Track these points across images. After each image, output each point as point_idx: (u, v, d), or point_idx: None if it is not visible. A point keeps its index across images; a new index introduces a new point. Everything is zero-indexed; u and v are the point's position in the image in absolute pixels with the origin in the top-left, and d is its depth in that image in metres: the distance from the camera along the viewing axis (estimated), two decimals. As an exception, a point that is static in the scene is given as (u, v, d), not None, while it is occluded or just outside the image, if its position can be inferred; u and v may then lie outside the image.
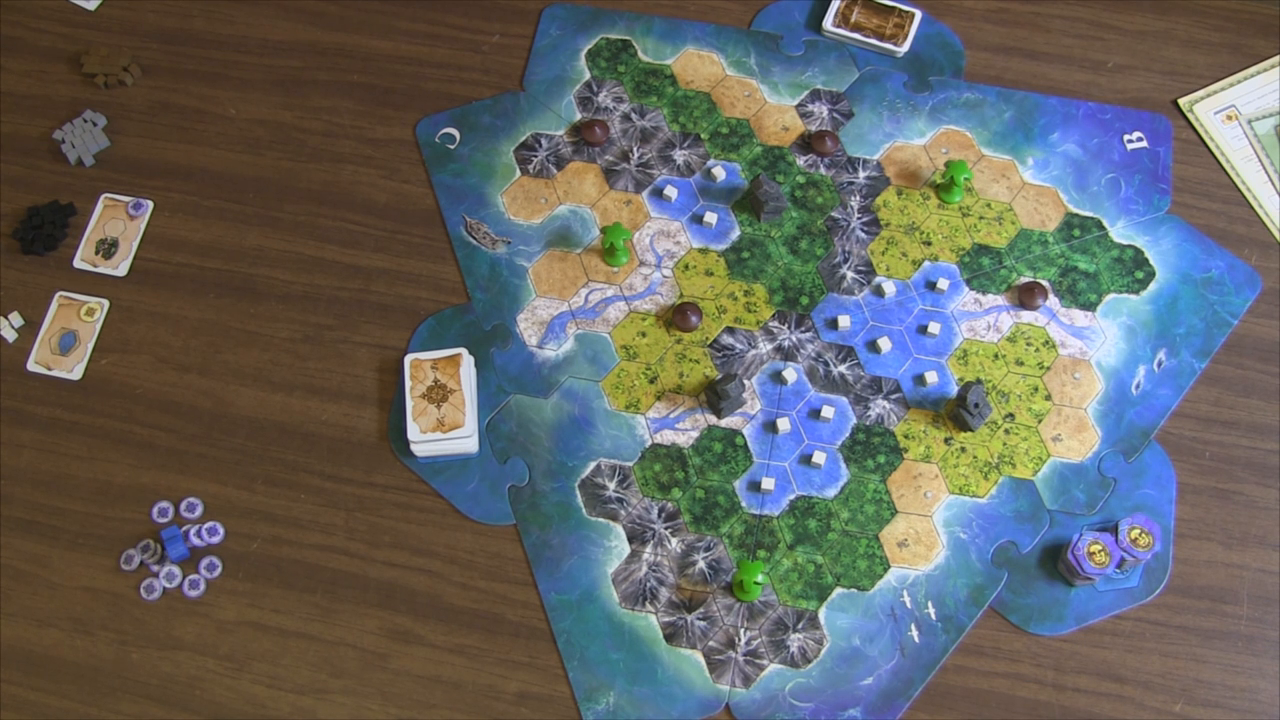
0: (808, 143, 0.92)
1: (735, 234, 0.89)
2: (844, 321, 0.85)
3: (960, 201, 0.89)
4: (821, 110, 0.93)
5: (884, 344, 0.84)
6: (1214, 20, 0.95)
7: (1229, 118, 0.92)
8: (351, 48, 0.97)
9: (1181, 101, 0.92)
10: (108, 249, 0.90)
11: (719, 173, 0.90)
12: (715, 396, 0.82)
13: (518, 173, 0.92)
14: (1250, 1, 0.96)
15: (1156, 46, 0.94)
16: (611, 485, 0.81)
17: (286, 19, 0.99)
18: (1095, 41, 0.95)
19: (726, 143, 0.92)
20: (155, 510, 0.82)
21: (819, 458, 0.81)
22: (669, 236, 0.89)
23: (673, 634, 0.77)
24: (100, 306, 0.88)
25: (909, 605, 0.77)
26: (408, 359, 0.83)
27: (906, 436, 0.82)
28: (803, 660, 0.76)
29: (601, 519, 0.80)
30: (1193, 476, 0.80)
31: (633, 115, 0.93)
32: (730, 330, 0.85)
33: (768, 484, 0.80)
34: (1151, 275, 0.86)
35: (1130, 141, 0.91)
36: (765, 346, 0.85)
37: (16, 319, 0.88)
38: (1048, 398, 0.83)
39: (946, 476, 0.81)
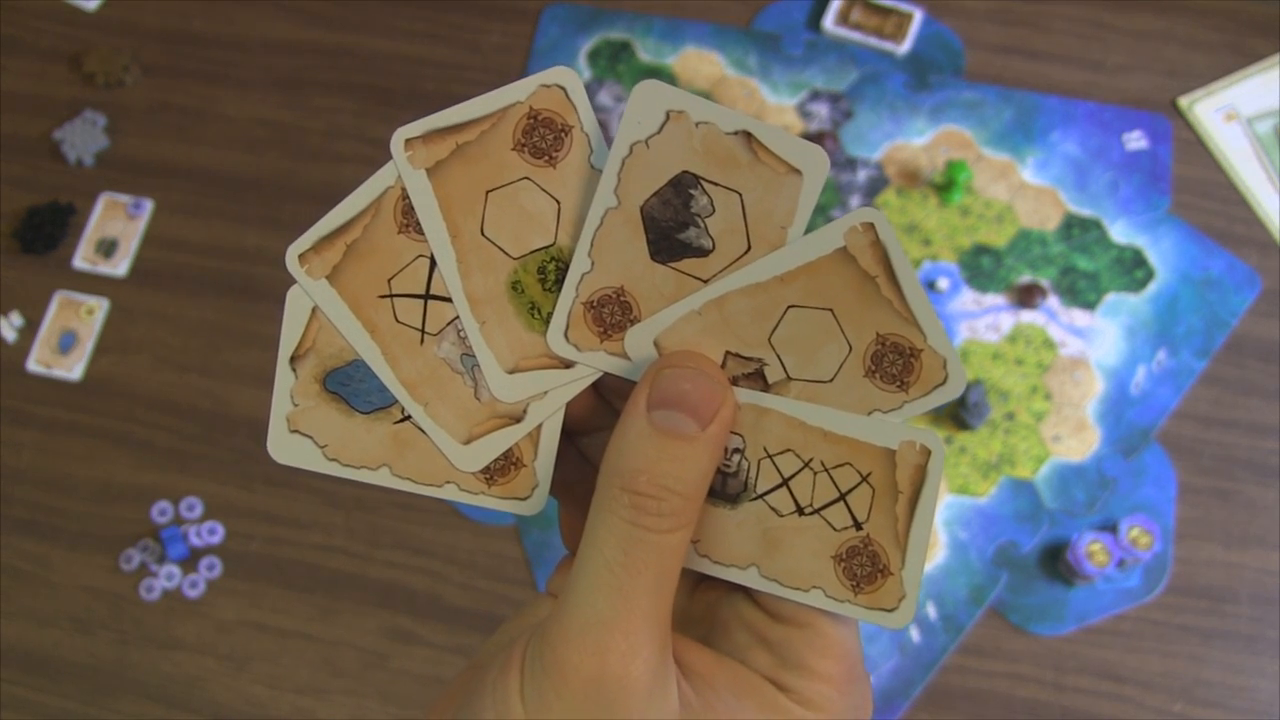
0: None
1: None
2: (844, 321, 0.85)
3: (960, 201, 0.89)
4: (821, 110, 0.93)
5: (884, 344, 0.84)
6: (1214, 20, 0.95)
7: (1229, 118, 0.92)
8: (351, 48, 0.97)
9: (1181, 101, 0.92)
10: (108, 249, 0.90)
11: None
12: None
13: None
14: (1250, 1, 0.96)
15: (1156, 46, 0.94)
16: (611, 485, 0.81)
17: (286, 19, 0.99)
18: (1095, 41, 0.95)
19: (726, 143, 0.92)
20: (155, 510, 0.82)
21: (819, 458, 0.81)
22: (669, 236, 0.89)
23: (673, 634, 0.77)
24: (100, 306, 0.88)
25: (909, 605, 0.77)
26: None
27: (906, 436, 0.82)
28: (803, 660, 0.76)
29: (601, 519, 0.80)
30: (1193, 476, 0.80)
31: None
32: (730, 330, 0.85)
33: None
34: (1151, 275, 0.86)
35: (1130, 141, 0.91)
36: (765, 346, 0.85)
37: (16, 319, 0.88)
38: (1047, 397, 0.83)
39: (946, 476, 0.81)
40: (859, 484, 0.27)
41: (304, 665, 0.77)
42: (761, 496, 0.28)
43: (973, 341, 0.85)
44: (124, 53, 0.97)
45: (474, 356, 0.28)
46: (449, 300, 0.28)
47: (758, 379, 0.28)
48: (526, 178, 0.28)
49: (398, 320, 0.29)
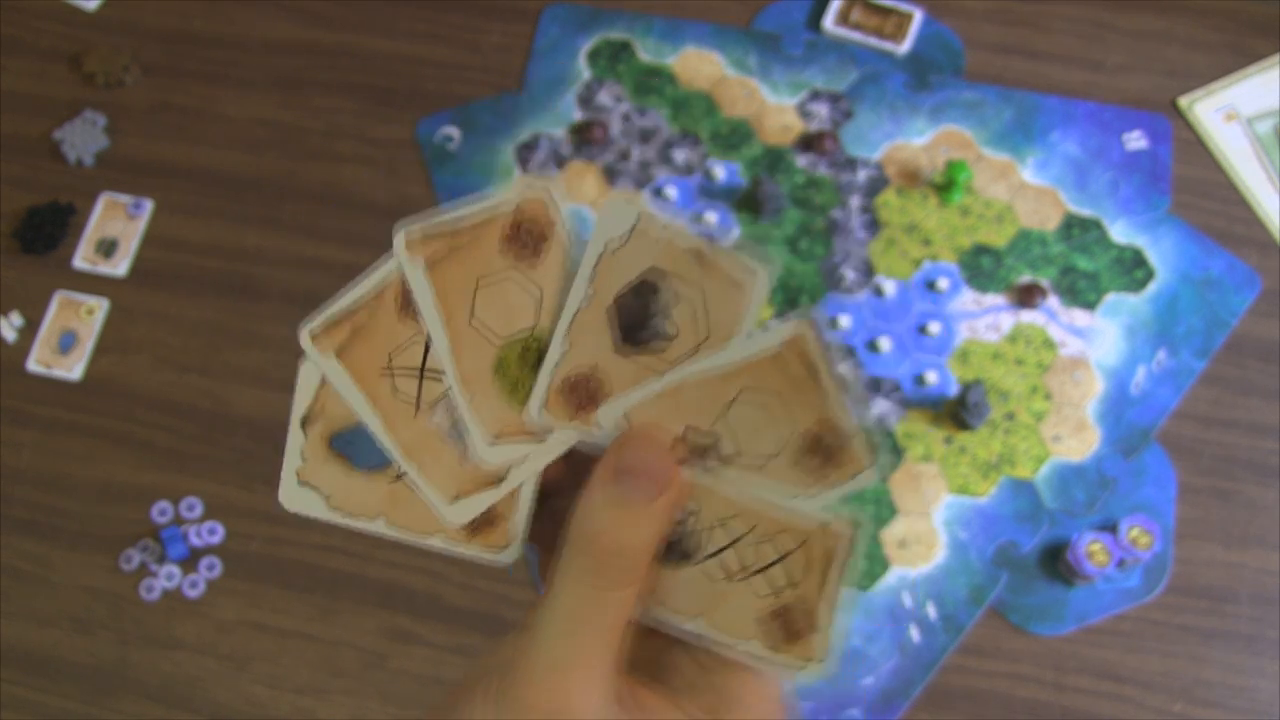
0: (808, 142, 0.92)
1: (735, 234, 0.89)
2: (844, 321, 0.85)
3: (960, 201, 0.89)
4: (821, 110, 0.93)
5: (884, 343, 0.84)
6: (1214, 20, 0.95)
7: (1229, 118, 0.92)
8: (351, 48, 0.97)
9: (1181, 101, 0.92)
10: (108, 249, 0.90)
11: (719, 172, 0.90)
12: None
13: (518, 172, 0.92)
14: (1250, 1, 0.96)
15: (1156, 46, 0.94)
16: (611, 485, 0.81)
17: (286, 19, 0.99)
18: (1095, 41, 0.95)
19: (726, 143, 0.92)
20: (155, 510, 0.82)
21: (819, 458, 0.81)
22: (669, 236, 0.89)
23: (673, 634, 0.77)
24: (100, 306, 0.88)
25: (909, 605, 0.77)
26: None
27: (907, 436, 0.82)
28: (803, 660, 0.76)
29: (601, 519, 0.80)
30: (1193, 476, 0.80)
31: (632, 115, 0.93)
32: (730, 330, 0.85)
33: (768, 484, 0.80)
34: (1151, 275, 0.86)
35: (1130, 141, 0.91)
36: (765, 346, 0.85)
37: (16, 319, 0.88)
38: (1047, 397, 0.83)
39: (946, 476, 0.81)
40: (793, 551, 0.31)
41: (304, 665, 0.77)
42: (709, 557, 0.32)
43: (973, 341, 0.85)
44: (124, 53, 0.97)
45: (462, 426, 0.32)
46: (442, 377, 0.32)
47: (712, 453, 0.32)
48: (512, 272, 0.32)
49: (396, 393, 0.33)
